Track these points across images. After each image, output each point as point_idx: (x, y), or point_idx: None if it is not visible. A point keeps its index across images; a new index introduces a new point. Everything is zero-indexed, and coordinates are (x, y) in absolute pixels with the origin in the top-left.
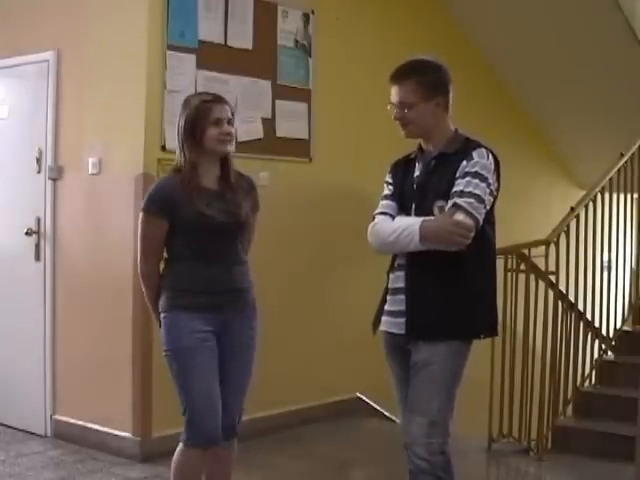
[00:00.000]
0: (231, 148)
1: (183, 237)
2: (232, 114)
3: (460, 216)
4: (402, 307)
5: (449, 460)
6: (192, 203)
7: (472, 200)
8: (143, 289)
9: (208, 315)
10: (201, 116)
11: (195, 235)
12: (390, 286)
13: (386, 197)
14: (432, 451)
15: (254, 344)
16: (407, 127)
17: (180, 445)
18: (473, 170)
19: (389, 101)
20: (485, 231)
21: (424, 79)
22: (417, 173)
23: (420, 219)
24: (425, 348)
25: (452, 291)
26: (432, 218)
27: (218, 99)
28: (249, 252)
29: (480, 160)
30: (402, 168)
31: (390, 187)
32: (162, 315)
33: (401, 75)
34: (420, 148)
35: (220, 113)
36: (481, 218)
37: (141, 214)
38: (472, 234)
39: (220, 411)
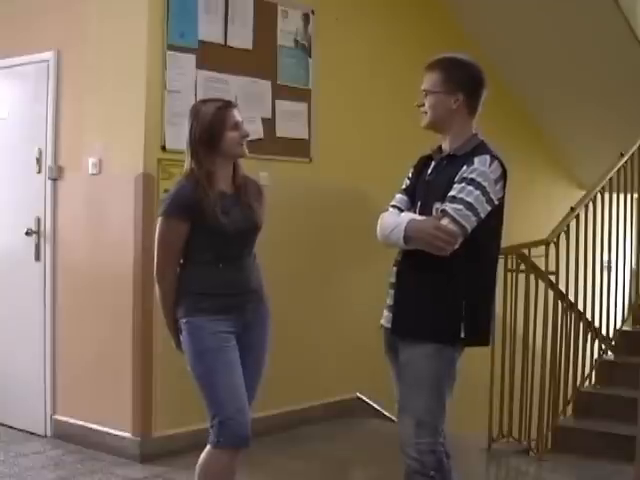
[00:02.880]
0: (247, 150)
1: (202, 241)
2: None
3: (445, 221)
4: (392, 302)
5: (441, 459)
6: (211, 209)
7: (460, 207)
8: (159, 295)
9: (228, 316)
10: (219, 122)
11: (214, 240)
12: (389, 280)
13: (401, 190)
14: (421, 451)
15: (267, 345)
16: (424, 115)
17: (208, 448)
18: (470, 176)
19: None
20: (478, 238)
21: (452, 72)
22: (429, 171)
23: (407, 218)
24: (407, 347)
25: (436, 293)
26: (419, 219)
27: (232, 104)
28: None
29: (479, 167)
30: (422, 164)
31: (407, 181)
32: (183, 321)
33: (433, 64)
34: (439, 147)
35: (237, 117)
36: (469, 226)
37: (160, 219)
38: (457, 240)
39: (249, 410)
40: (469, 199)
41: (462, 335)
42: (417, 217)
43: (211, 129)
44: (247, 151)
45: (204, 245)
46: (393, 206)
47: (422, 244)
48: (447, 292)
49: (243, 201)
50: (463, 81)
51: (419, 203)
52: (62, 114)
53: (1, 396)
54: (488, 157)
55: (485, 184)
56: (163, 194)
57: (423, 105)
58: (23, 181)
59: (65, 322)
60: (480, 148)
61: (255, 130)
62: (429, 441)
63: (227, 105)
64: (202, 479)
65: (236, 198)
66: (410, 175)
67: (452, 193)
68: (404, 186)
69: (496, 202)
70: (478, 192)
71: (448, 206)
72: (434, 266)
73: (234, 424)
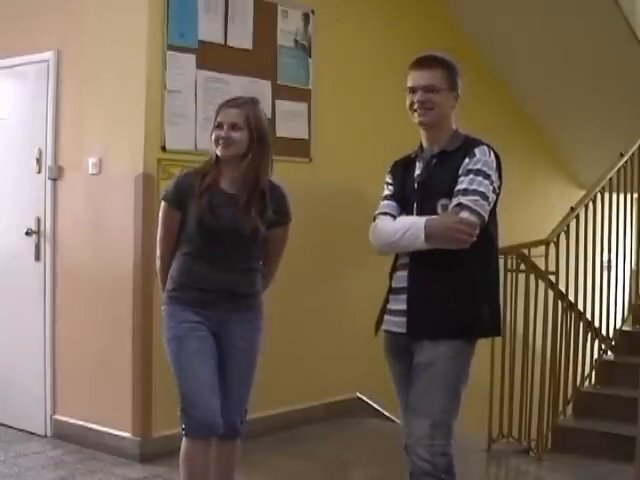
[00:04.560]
0: (227, 152)
1: (188, 233)
2: (247, 119)
3: (465, 214)
4: (404, 306)
5: (451, 462)
6: (199, 202)
7: (477, 198)
8: (158, 274)
9: (201, 311)
10: (214, 119)
11: (196, 234)
12: (393, 286)
13: (386, 197)
14: (434, 452)
15: (255, 347)
16: (429, 111)
17: (183, 438)
18: (476, 167)
19: (407, 86)
20: (488, 228)
21: (451, 70)
22: (418, 172)
23: (424, 218)
24: (428, 349)
25: (456, 289)
26: (436, 217)
27: (230, 103)
28: (275, 265)
29: (482, 157)
30: (402, 168)
31: (390, 187)
32: (163, 307)
33: (431, 61)
34: (420, 147)
35: (224, 117)
36: (486, 215)
37: (162, 202)
38: (477, 232)
39: (216, 399)
40: (482, 189)
41: (485, 328)
42: (431, 217)
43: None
44: (228, 153)
45: (189, 237)
46: (384, 213)
47: (443, 240)
48: (467, 287)
49: (242, 204)
50: (457, 79)
51: (415, 204)
52: (62, 114)
53: (1, 396)
54: (486, 147)
55: (490, 173)
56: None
57: (426, 102)
58: (23, 181)
59: (65, 322)
60: (473, 140)
61: None
62: (443, 443)
63: (225, 104)
64: (181, 469)
65: (235, 199)
66: (390, 181)
67: (462, 186)
68: (388, 193)
69: (497, 190)
70: (487, 182)
71: (463, 199)
72: (450, 263)
73: (196, 413)
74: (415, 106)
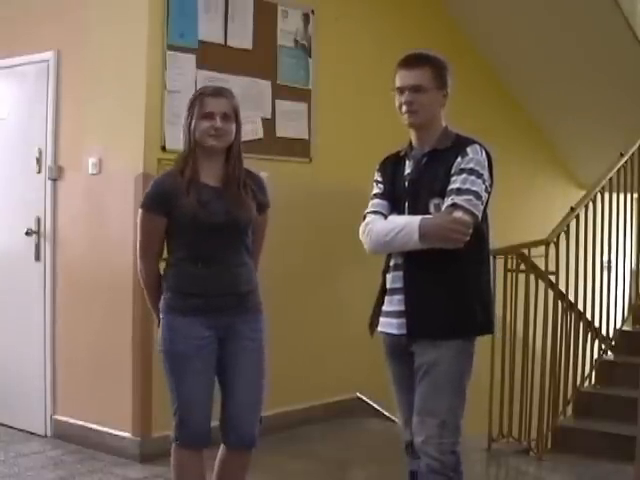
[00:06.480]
0: (219, 143)
1: (180, 236)
2: (234, 110)
3: (459, 213)
4: (401, 307)
5: (459, 459)
6: (187, 200)
7: (470, 197)
8: (143, 288)
9: (208, 318)
10: (194, 108)
11: (192, 234)
12: (388, 287)
13: (376, 196)
14: (443, 451)
15: (262, 348)
16: (415, 113)
17: (172, 445)
18: (468, 167)
19: (395, 86)
20: (480, 227)
21: (439, 68)
22: (408, 170)
23: (417, 217)
24: (430, 349)
25: (451, 289)
26: (430, 216)
27: (216, 93)
28: (260, 254)
29: (475, 156)
30: (392, 166)
31: (380, 185)
32: (161, 315)
33: (418, 60)
34: (410, 145)
35: (213, 107)
36: (480, 215)
37: (139, 211)
38: (470, 231)
39: (209, 413)
40: (475, 188)
41: (481, 326)
42: (425, 216)
43: (188, 115)
44: (221, 144)
45: (182, 241)
46: (375, 212)
47: (438, 240)
48: (462, 286)
49: (230, 196)
50: (446, 76)
51: (406, 203)
52: (62, 114)
53: (1, 396)
54: (477, 146)
55: (483, 172)
56: None
57: (413, 103)
58: (23, 181)
59: (65, 322)
60: (465, 139)
61: (255, 130)
62: (452, 441)
63: (210, 93)
64: (173, 475)
65: (221, 192)
66: (380, 179)
67: (455, 186)
68: (378, 191)
69: (489, 189)
70: (480, 181)
71: (457, 199)
72: (445, 262)
73: (191, 426)
74: (403, 108)
